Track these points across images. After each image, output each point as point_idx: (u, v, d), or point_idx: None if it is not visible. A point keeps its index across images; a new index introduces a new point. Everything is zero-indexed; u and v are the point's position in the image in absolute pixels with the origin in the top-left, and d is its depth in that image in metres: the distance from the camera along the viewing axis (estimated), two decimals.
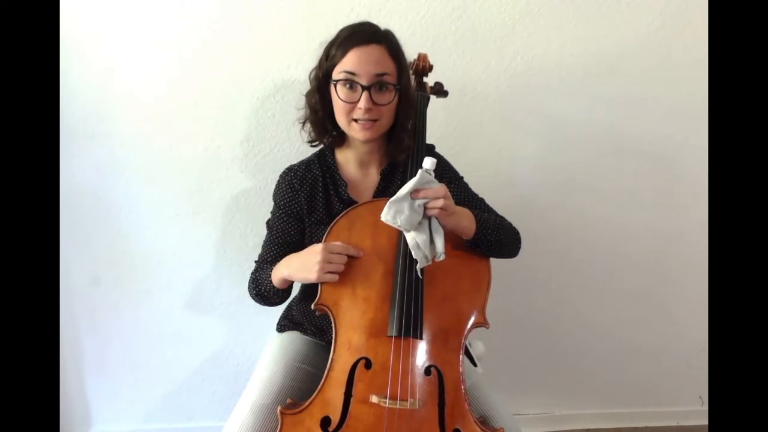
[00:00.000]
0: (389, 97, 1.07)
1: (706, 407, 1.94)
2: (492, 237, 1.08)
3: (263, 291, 1.15)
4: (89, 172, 1.54)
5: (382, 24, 1.13)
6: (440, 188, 0.96)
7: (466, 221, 1.04)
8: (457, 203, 1.16)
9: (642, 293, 1.87)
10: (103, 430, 1.78)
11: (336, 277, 1.01)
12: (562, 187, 1.74)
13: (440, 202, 0.95)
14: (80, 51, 1.44)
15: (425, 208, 0.96)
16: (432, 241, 0.97)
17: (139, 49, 1.47)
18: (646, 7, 1.61)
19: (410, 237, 0.96)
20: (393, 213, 0.94)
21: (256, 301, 1.20)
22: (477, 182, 1.28)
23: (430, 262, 0.97)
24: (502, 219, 1.20)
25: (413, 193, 0.95)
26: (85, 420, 1.77)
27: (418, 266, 0.98)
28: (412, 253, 0.97)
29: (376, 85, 1.05)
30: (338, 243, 1.03)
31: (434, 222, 0.97)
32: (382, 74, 1.05)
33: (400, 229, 0.96)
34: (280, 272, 1.09)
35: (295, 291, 1.31)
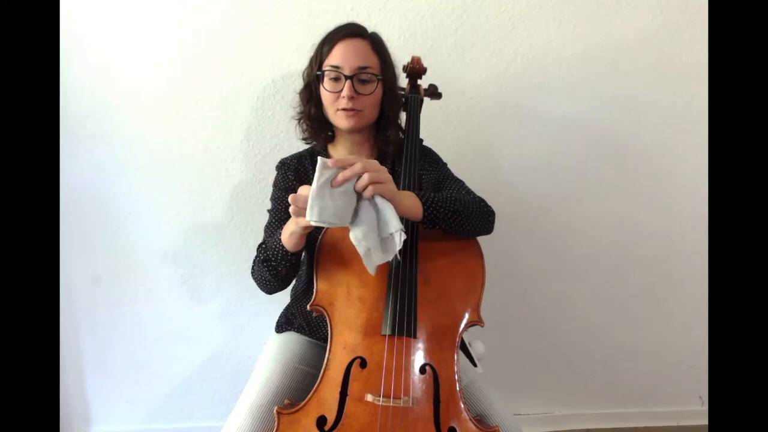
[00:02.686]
0: (371, 88, 1.13)
1: (706, 407, 1.94)
2: (446, 209, 1.01)
3: (270, 256, 1.06)
4: (89, 172, 1.55)
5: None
6: (357, 164, 0.87)
7: (408, 199, 0.98)
8: (436, 183, 1.20)
9: (642, 293, 1.87)
10: (103, 430, 1.78)
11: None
12: (563, 187, 1.74)
13: (366, 176, 0.87)
14: (80, 51, 1.45)
15: (358, 194, 0.88)
16: (380, 227, 0.88)
17: (140, 49, 1.47)
18: (646, 6, 1.61)
19: (351, 234, 0.88)
20: (318, 211, 0.84)
21: (259, 276, 1.11)
22: (477, 182, 1.28)
23: (383, 257, 0.89)
24: (466, 195, 1.13)
25: (333, 181, 0.85)
26: (85, 420, 1.77)
27: (368, 265, 0.90)
28: (360, 252, 0.88)
29: (359, 75, 1.11)
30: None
31: (378, 201, 0.88)
32: (365, 67, 1.11)
33: (333, 226, 0.89)
34: (287, 227, 1.01)
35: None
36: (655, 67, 1.66)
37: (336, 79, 1.12)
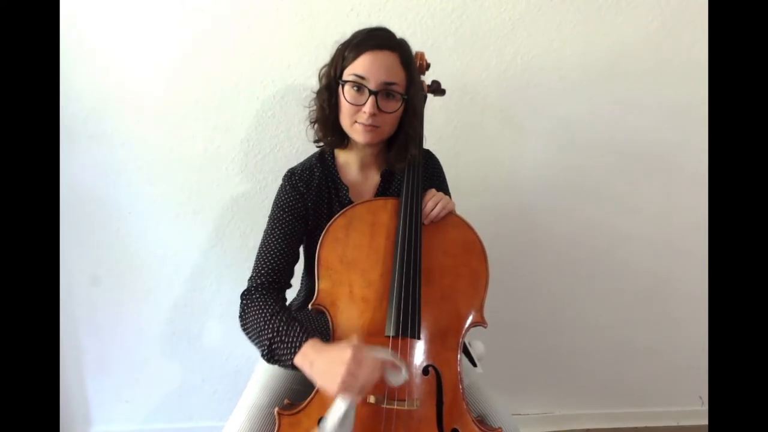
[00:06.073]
0: (395, 106, 1.07)
1: (706, 407, 1.94)
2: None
3: (277, 349, 0.98)
4: (89, 172, 1.54)
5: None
6: (432, 201, 1.08)
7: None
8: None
9: (642, 294, 1.87)
10: (103, 430, 1.78)
11: (358, 398, 0.88)
12: (563, 187, 1.74)
13: (440, 205, 1.07)
14: (80, 51, 1.44)
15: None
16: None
17: (140, 49, 1.47)
18: (646, 7, 1.61)
19: None
20: None
21: (252, 337, 1.04)
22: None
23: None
24: None
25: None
26: (85, 420, 1.77)
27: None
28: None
29: (384, 91, 1.04)
30: (373, 352, 0.90)
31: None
32: (391, 83, 1.04)
33: None
34: (303, 361, 0.95)
35: (294, 293, 1.32)
36: (655, 68, 1.65)
37: (359, 90, 1.05)
